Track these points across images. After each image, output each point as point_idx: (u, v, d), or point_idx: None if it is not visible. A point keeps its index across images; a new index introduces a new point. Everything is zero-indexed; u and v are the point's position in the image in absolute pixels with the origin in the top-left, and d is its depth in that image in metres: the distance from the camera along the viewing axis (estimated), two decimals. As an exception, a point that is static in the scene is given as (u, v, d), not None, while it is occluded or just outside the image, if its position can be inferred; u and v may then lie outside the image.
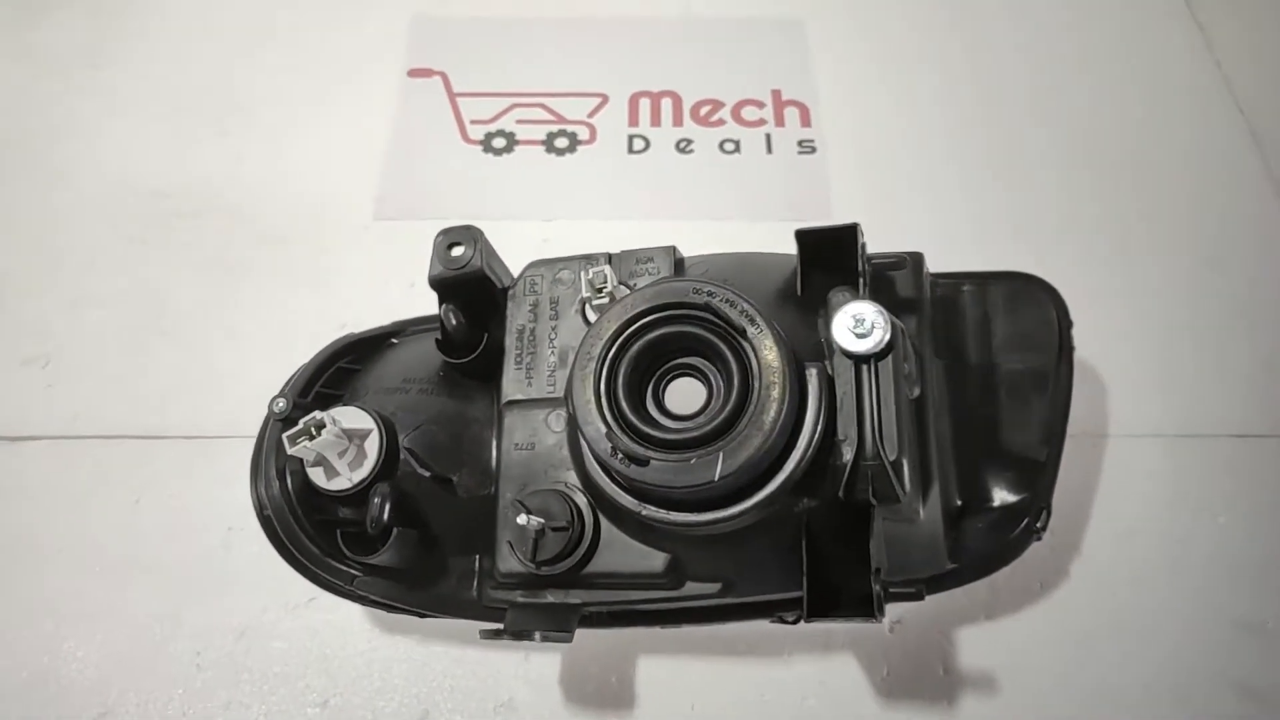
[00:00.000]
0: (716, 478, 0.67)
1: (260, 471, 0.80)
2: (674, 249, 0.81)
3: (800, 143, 1.20)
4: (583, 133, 1.23)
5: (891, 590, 0.76)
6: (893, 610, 0.87)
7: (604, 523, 0.76)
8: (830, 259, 0.77)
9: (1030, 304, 0.87)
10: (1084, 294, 0.87)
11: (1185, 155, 1.17)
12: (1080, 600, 0.89)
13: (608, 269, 0.78)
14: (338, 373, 0.85)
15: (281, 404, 0.78)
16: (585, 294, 0.79)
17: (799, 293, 0.78)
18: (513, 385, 0.82)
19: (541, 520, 0.74)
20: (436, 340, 0.83)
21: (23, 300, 1.09)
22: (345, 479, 0.77)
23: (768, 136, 1.21)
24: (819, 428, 0.70)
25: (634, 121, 1.24)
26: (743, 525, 0.72)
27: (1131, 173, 1.16)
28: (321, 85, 1.27)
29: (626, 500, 0.73)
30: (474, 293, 0.83)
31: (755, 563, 0.74)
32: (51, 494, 0.96)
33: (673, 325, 0.72)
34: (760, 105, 1.24)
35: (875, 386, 0.71)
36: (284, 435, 0.75)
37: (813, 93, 1.25)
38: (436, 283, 0.83)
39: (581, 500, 0.76)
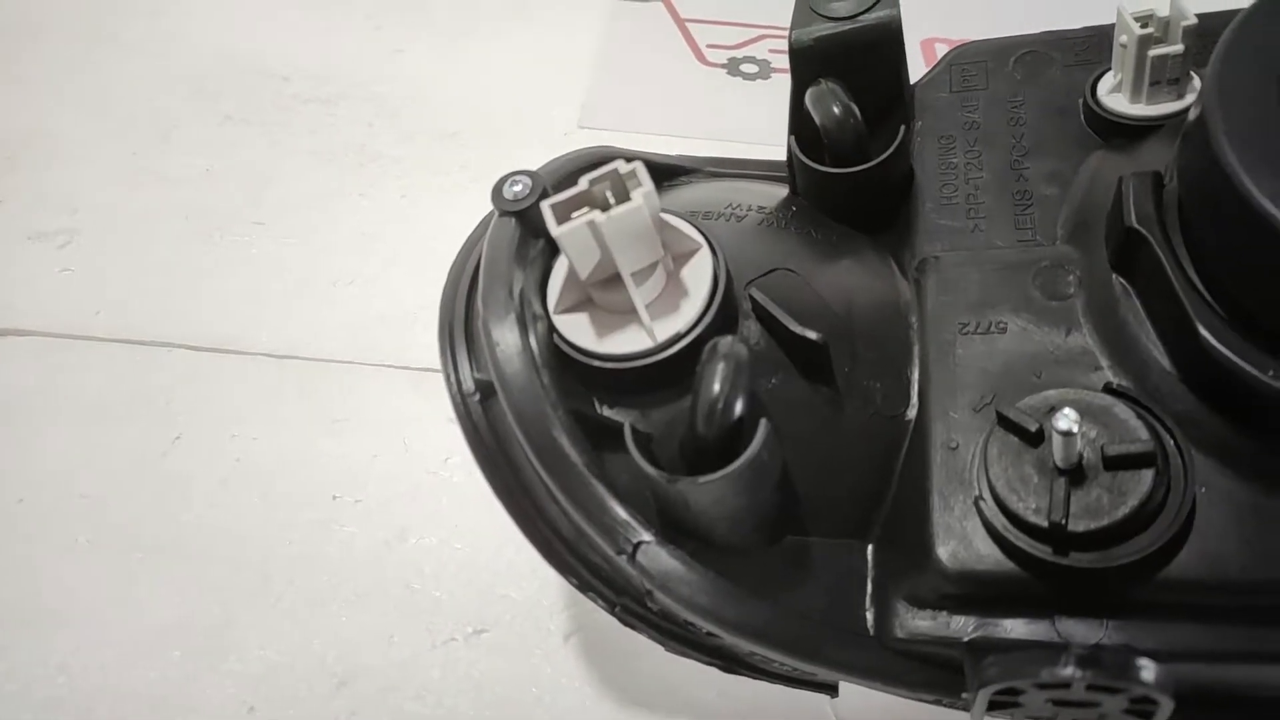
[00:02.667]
0: None
1: (475, 320, 0.39)
2: None
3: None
4: (863, 70, 0.91)
5: None
6: None
7: (1204, 471, 0.35)
8: None
9: None
10: None
11: None
12: None
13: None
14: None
15: (524, 184, 0.39)
16: (1135, 34, 0.41)
17: None
18: (943, 230, 0.43)
19: (1089, 435, 0.34)
20: (792, 141, 0.45)
21: (51, 166, 0.72)
22: (640, 334, 0.37)
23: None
24: None
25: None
26: None
27: None
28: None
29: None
30: (867, 73, 0.46)
31: None
32: (35, 414, 0.56)
33: None
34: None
35: None
36: (547, 204, 0.36)
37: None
38: (807, 49, 0.46)
39: (1158, 423, 0.35)
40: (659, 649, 0.42)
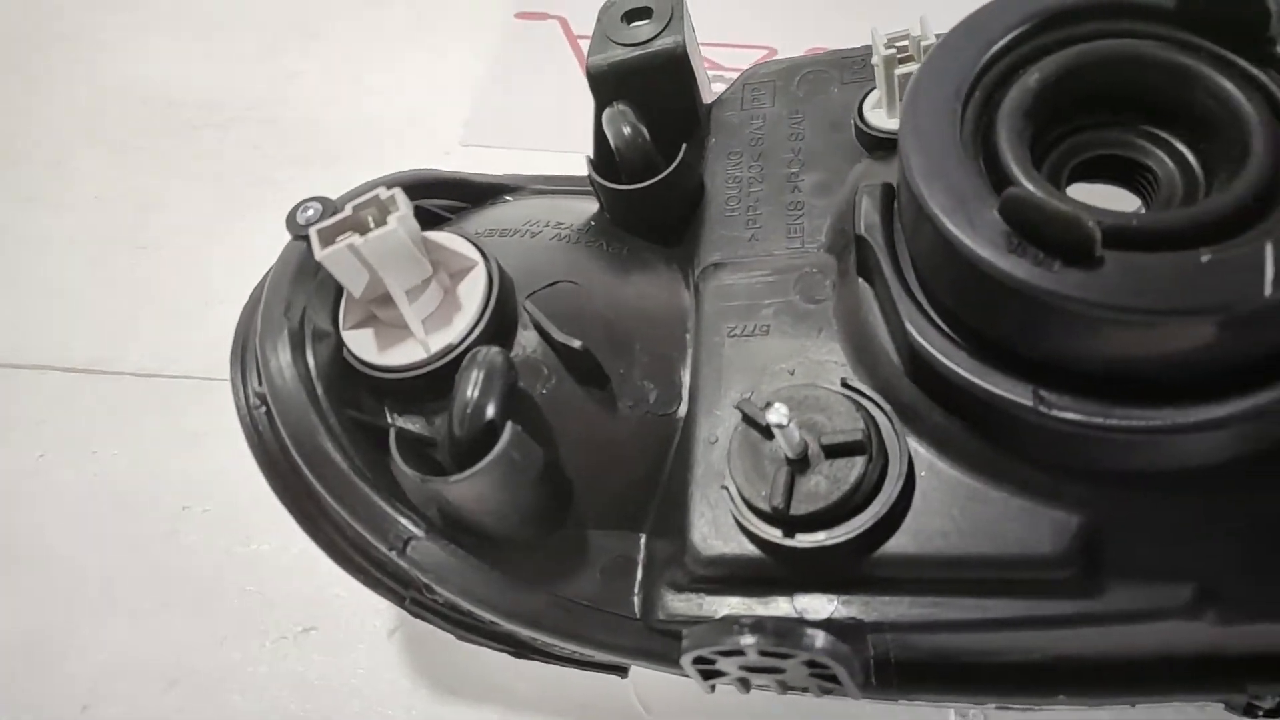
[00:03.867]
0: (1268, 290, 0.30)
1: (254, 336, 0.42)
2: None
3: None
4: (746, 79, 0.94)
5: None
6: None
7: (924, 456, 0.38)
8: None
9: None
10: None
11: None
12: None
13: (922, 21, 0.44)
14: (418, 214, 0.49)
15: (314, 209, 0.42)
16: (881, 54, 0.44)
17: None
18: (723, 240, 0.47)
19: (802, 436, 0.37)
20: (589, 161, 0.48)
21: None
22: (417, 346, 0.40)
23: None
24: None
25: (813, 72, 0.94)
26: (1248, 451, 0.34)
27: None
28: (409, 20, 0.99)
29: (992, 384, 0.35)
30: (661, 94, 0.49)
31: (1270, 545, 0.35)
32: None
33: (1106, 44, 0.37)
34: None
35: None
36: (314, 229, 0.39)
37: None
38: (603, 73, 0.49)
39: (880, 413, 0.39)
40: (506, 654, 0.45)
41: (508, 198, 0.54)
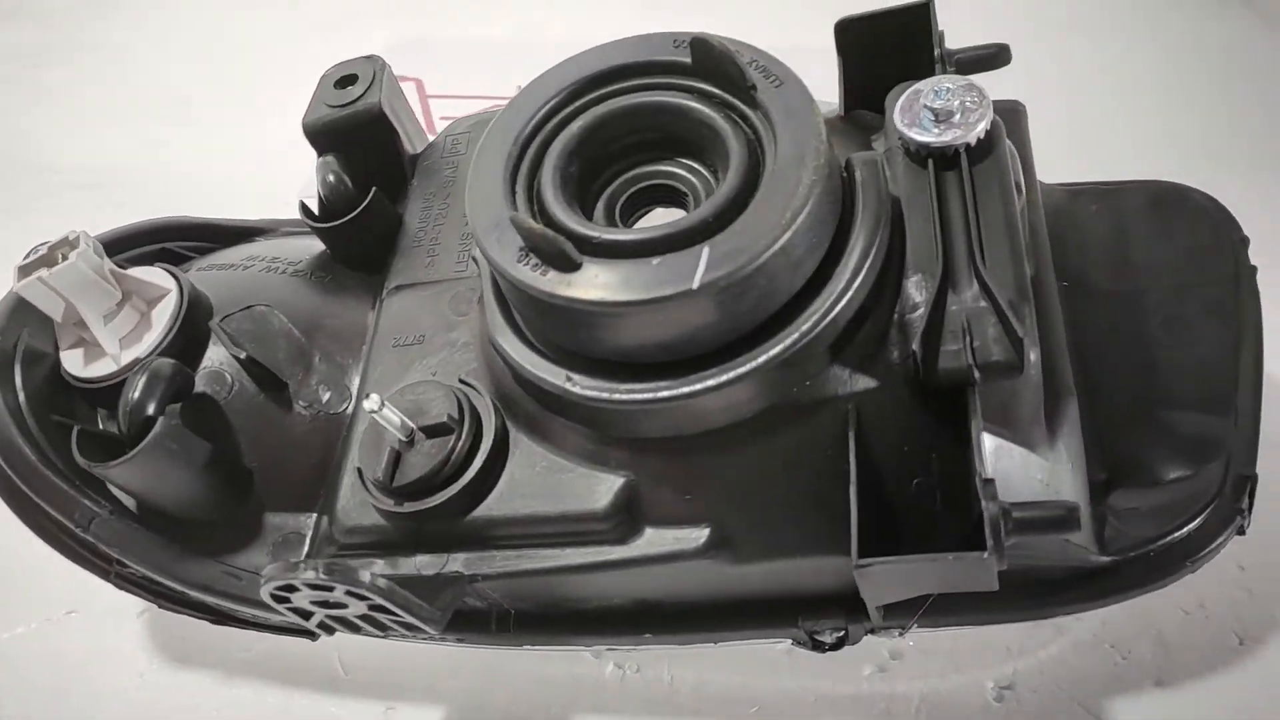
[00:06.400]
0: (696, 284, 0.38)
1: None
2: None
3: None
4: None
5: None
6: (1004, 670, 0.53)
7: (515, 436, 0.46)
8: (885, 64, 0.50)
9: (1181, 217, 0.59)
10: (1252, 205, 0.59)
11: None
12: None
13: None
14: (163, 255, 0.58)
15: (43, 250, 0.50)
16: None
17: (840, 114, 0.52)
18: (408, 267, 0.55)
19: (404, 420, 0.44)
20: (301, 205, 0.57)
21: None
22: (110, 361, 0.48)
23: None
24: (872, 254, 0.41)
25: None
26: (743, 417, 0.42)
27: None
28: (273, 88, 1.09)
29: (541, 370, 0.43)
30: (368, 147, 0.57)
31: (767, 495, 0.43)
32: None
33: (637, 95, 0.45)
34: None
35: (970, 193, 0.43)
36: (16, 265, 0.47)
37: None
38: (315, 130, 0.57)
39: (482, 401, 0.47)
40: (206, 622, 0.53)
41: (258, 239, 0.62)
